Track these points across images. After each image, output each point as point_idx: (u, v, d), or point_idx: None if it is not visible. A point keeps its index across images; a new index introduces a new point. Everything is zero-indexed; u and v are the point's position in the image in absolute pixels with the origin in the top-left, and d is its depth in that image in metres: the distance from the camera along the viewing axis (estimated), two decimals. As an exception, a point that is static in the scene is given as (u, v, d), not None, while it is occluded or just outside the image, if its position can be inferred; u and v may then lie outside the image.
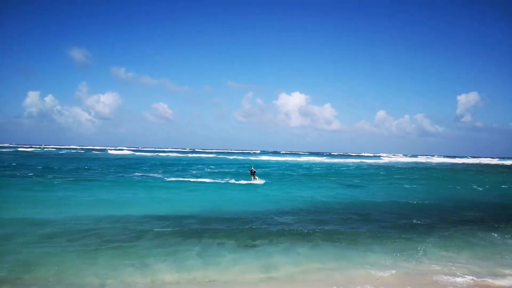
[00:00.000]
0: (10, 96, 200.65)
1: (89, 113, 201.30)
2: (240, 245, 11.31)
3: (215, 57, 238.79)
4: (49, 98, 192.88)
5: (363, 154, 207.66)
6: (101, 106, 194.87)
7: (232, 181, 29.60)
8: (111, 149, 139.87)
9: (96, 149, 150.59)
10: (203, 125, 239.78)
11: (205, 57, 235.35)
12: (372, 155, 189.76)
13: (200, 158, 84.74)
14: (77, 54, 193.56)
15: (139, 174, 34.91)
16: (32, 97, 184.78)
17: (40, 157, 66.19)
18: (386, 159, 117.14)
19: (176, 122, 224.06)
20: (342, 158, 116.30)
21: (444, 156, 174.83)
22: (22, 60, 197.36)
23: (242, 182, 28.86)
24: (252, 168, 29.91)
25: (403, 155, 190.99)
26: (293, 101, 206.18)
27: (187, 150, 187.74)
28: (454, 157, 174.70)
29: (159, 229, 12.78)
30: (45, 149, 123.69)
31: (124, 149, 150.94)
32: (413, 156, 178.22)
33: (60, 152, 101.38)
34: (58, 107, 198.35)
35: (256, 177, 29.04)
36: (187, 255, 10.16)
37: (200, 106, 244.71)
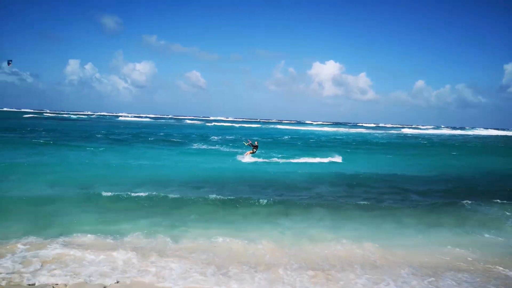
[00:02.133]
0: (51, 64, 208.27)
1: (126, 81, 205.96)
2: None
3: (243, 24, 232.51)
4: (89, 66, 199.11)
5: (397, 125, 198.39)
6: (137, 74, 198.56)
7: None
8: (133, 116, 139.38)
9: (121, 115, 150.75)
10: (234, 94, 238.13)
11: (233, 24, 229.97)
12: (407, 126, 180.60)
13: (227, 127, 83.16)
14: (109, 21, 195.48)
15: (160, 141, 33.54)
16: (72, 65, 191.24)
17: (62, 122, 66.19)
18: (424, 130, 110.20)
19: (208, 91, 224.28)
20: (375, 130, 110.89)
21: (486, 128, 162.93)
22: (58, 28, 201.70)
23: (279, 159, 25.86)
24: (256, 143, 23.78)
25: (443, 126, 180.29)
26: (326, 70, 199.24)
27: (223, 119, 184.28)
28: (498, 129, 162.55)
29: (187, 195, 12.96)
30: (63, 115, 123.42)
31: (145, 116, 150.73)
32: (453, 128, 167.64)
33: (72, 118, 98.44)
34: (97, 75, 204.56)
35: (248, 153, 23.16)
36: (219, 224, 10.46)
37: (230, 75, 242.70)
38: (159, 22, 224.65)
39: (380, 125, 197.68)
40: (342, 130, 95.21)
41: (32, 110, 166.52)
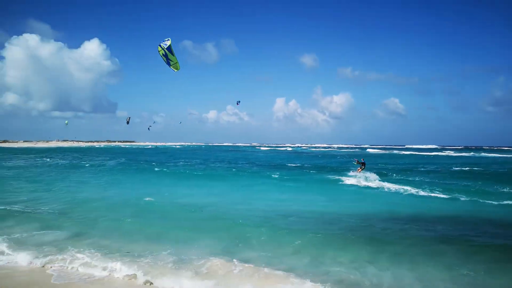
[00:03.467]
0: (262, 104, 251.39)
1: (324, 113, 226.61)
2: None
3: (446, 40, 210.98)
4: (292, 103, 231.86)
5: None
6: (334, 106, 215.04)
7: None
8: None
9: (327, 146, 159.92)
10: (437, 118, 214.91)
11: (433, 43, 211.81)
12: None
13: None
14: (307, 59, 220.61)
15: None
16: (279, 103, 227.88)
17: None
18: None
19: (407, 117, 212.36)
20: None
21: None
22: (267, 72, 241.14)
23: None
24: (363, 159, 30.38)
25: None
26: None
27: (422, 147, 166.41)
28: None
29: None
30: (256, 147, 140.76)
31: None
32: None
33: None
34: (299, 110, 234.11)
35: (359, 169, 28.70)
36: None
37: (432, 98, 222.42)
38: (353, 54, 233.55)
39: None
40: None
41: (243, 144, 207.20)
